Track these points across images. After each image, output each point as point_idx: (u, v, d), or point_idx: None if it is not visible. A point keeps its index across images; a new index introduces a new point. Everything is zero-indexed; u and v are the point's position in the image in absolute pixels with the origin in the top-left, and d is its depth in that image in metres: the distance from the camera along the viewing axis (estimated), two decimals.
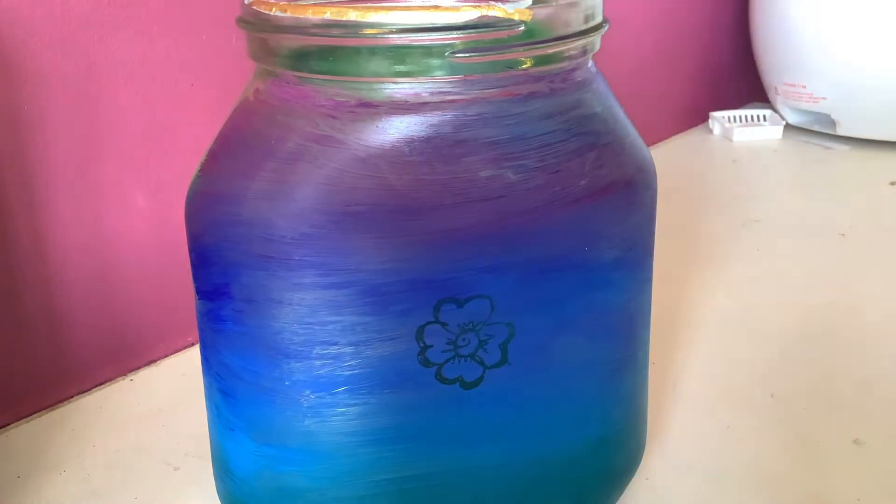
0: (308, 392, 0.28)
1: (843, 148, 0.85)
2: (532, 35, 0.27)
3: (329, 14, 0.26)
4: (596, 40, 0.30)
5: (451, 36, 0.26)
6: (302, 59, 0.28)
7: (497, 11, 0.26)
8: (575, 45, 0.28)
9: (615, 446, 0.33)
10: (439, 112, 0.27)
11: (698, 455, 0.40)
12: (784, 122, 0.90)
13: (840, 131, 0.85)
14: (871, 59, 0.80)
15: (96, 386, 0.47)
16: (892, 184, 0.71)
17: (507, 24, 0.26)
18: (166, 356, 0.50)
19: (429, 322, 0.27)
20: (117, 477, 0.39)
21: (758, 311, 0.53)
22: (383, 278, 0.27)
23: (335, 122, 0.27)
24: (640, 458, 0.36)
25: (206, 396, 0.32)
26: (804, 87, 0.86)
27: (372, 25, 0.26)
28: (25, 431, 0.43)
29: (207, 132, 0.31)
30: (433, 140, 0.27)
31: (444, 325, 0.27)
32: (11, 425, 0.43)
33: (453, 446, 0.29)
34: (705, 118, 0.94)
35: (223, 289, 0.29)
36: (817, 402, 0.43)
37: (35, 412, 0.44)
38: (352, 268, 0.27)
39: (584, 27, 0.29)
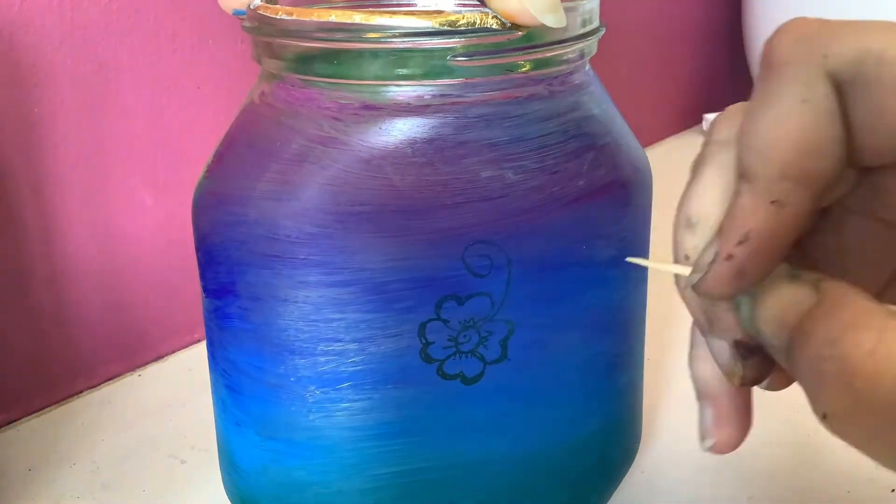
0: (313, 388, 0.29)
1: None
2: (531, 39, 0.27)
3: (334, 17, 0.26)
4: (593, 44, 0.30)
5: (452, 40, 0.26)
6: (306, 62, 0.28)
7: (493, 23, 0.26)
8: (572, 49, 0.29)
9: (612, 440, 0.34)
10: (441, 114, 0.27)
11: (692, 449, 0.40)
12: None
13: None
14: None
15: (105, 381, 0.47)
16: None
17: (506, 28, 0.26)
18: (173, 352, 0.50)
19: (430, 319, 0.28)
20: (126, 470, 0.40)
21: None
22: (386, 276, 0.27)
23: (339, 124, 0.27)
24: (636, 452, 0.36)
25: (212, 392, 0.33)
26: None
27: (376, 29, 0.26)
28: (36, 426, 0.43)
29: (214, 134, 0.32)
30: (435, 141, 0.27)
31: (445, 322, 0.28)
32: (22, 420, 0.44)
33: (454, 440, 0.30)
34: (699, 120, 0.94)
35: (229, 287, 0.29)
36: None
37: (45, 407, 0.45)
38: (355, 266, 0.27)
39: (581, 31, 0.29)
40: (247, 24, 0.29)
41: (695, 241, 0.23)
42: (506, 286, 0.28)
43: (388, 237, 0.27)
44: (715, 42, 0.99)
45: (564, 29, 0.28)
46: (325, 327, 0.28)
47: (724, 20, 0.98)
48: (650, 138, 0.89)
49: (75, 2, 0.42)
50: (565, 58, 0.29)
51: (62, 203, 0.44)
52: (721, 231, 0.21)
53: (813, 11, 0.79)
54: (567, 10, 0.27)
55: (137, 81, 0.45)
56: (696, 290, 0.22)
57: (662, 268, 0.24)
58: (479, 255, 0.27)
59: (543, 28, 0.26)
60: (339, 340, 0.28)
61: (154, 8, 0.45)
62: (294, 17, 0.27)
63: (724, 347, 0.23)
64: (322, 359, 0.28)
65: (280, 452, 0.30)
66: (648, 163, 0.32)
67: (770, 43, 0.21)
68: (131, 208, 0.46)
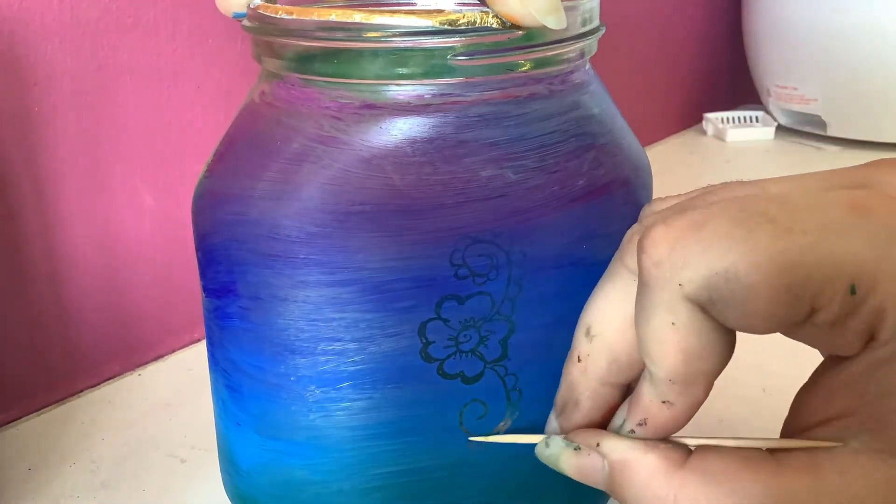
0: (313, 387, 0.29)
1: (832, 148, 0.86)
2: (531, 38, 0.27)
3: (334, 17, 0.26)
4: (593, 43, 0.30)
5: (452, 39, 0.26)
6: (306, 61, 0.28)
7: (494, 22, 0.26)
8: (573, 49, 0.29)
9: None
10: (441, 113, 0.27)
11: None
12: (776, 123, 0.91)
13: (830, 132, 0.86)
14: (861, 62, 0.81)
15: (105, 381, 0.47)
16: None
17: (506, 28, 0.26)
18: (173, 351, 0.50)
19: (431, 319, 0.28)
20: (125, 469, 0.40)
21: None
22: (386, 276, 0.27)
23: (339, 124, 0.27)
24: None
25: (212, 392, 0.33)
26: (796, 89, 0.87)
27: (376, 28, 0.26)
28: (36, 425, 0.43)
29: (214, 133, 0.32)
30: (435, 141, 0.27)
31: (445, 321, 0.28)
32: (22, 419, 0.44)
33: (454, 440, 0.30)
34: (699, 119, 0.95)
35: (230, 287, 0.29)
36: None
37: (45, 406, 0.45)
38: (356, 266, 0.27)
39: (581, 31, 0.29)
40: (247, 23, 0.29)
41: (588, 350, 0.27)
42: (506, 286, 0.28)
43: (389, 236, 0.27)
44: (715, 42, 0.99)
45: (565, 28, 0.28)
46: (325, 327, 0.28)
47: (724, 20, 0.98)
48: (650, 137, 0.90)
49: (75, 1, 0.42)
50: (565, 57, 0.29)
51: (62, 203, 0.44)
52: (629, 408, 0.25)
53: (812, 12, 0.79)
54: (567, 9, 0.27)
55: (137, 81, 0.45)
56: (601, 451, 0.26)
57: (511, 440, 0.28)
58: (480, 255, 0.27)
59: (544, 28, 0.26)
60: (340, 340, 0.28)
61: (154, 8, 0.45)
62: (294, 17, 0.27)
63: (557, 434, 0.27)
64: (322, 358, 0.28)
65: (280, 452, 0.30)
66: (649, 162, 0.32)
67: (638, 262, 0.23)
68: (131, 207, 0.47)
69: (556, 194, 0.28)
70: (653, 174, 0.32)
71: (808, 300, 0.21)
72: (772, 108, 0.91)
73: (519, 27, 0.26)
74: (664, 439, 0.24)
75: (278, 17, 0.27)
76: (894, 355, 0.22)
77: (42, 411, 0.44)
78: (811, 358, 0.26)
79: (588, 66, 0.31)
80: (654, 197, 0.32)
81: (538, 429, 0.31)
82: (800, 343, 0.25)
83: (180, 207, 0.48)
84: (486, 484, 0.31)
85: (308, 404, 0.29)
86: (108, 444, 0.42)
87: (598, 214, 0.29)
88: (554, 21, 0.26)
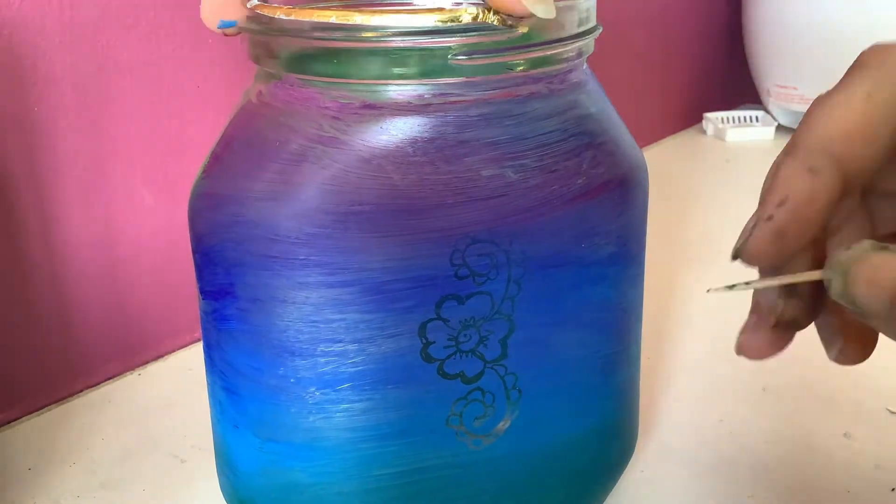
0: (313, 389, 0.29)
1: None
2: (529, 38, 0.27)
3: (334, 18, 0.26)
4: (590, 43, 0.30)
5: (451, 39, 0.26)
6: (305, 61, 0.28)
7: (495, 18, 0.26)
8: (571, 48, 0.29)
9: (608, 437, 0.34)
10: (442, 113, 0.27)
11: (692, 448, 0.40)
12: (776, 123, 0.91)
13: None
14: None
15: (105, 380, 0.47)
16: None
17: (506, 25, 0.26)
18: (173, 351, 0.50)
19: (431, 319, 0.28)
20: (126, 469, 0.40)
21: (749, 306, 0.53)
22: (386, 276, 0.27)
23: (339, 124, 0.27)
24: (633, 450, 0.36)
25: (209, 394, 0.33)
26: (795, 88, 0.87)
27: (376, 29, 0.26)
28: (35, 425, 0.43)
29: (214, 132, 0.32)
30: (436, 140, 0.27)
31: (445, 321, 0.28)
32: (22, 419, 0.44)
33: (454, 440, 0.30)
34: (699, 119, 0.95)
35: (228, 288, 0.29)
36: (808, 396, 0.43)
37: (45, 406, 0.45)
38: (355, 266, 0.27)
39: (578, 30, 0.29)
40: (231, 32, 0.29)
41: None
42: (506, 285, 0.28)
43: (389, 237, 0.27)
44: (715, 41, 0.99)
45: (562, 27, 0.28)
46: (325, 328, 0.28)
47: (723, 19, 0.98)
48: (650, 137, 0.90)
49: (75, 1, 0.42)
50: (564, 56, 0.29)
51: (62, 202, 0.44)
52: (761, 200, 0.24)
53: (812, 12, 0.79)
54: (564, 9, 0.28)
55: (137, 81, 0.45)
56: (740, 257, 0.24)
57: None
58: (480, 254, 0.28)
59: (541, 26, 0.26)
60: (340, 341, 0.28)
61: (153, 8, 0.45)
62: (293, 17, 0.27)
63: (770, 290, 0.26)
64: (322, 360, 0.28)
65: (279, 454, 0.30)
66: (645, 160, 0.32)
67: (861, 54, 0.24)
68: (132, 207, 0.46)
69: (555, 193, 0.28)
70: (653, 174, 0.32)
71: None
72: (772, 107, 0.91)
73: (517, 23, 0.26)
74: None
75: (277, 17, 0.27)
76: None
77: (42, 411, 0.44)
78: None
79: (585, 65, 0.31)
80: (651, 196, 0.33)
81: (538, 428, 0.31)
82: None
83: (180, 207, 0.48)
84: (486, 484, 0.31)
85: (308, 406, 0.29)
86: (108, 444, 0.42)
87: (596, 213, 0.29)
88: (543, 10, 0.26)
